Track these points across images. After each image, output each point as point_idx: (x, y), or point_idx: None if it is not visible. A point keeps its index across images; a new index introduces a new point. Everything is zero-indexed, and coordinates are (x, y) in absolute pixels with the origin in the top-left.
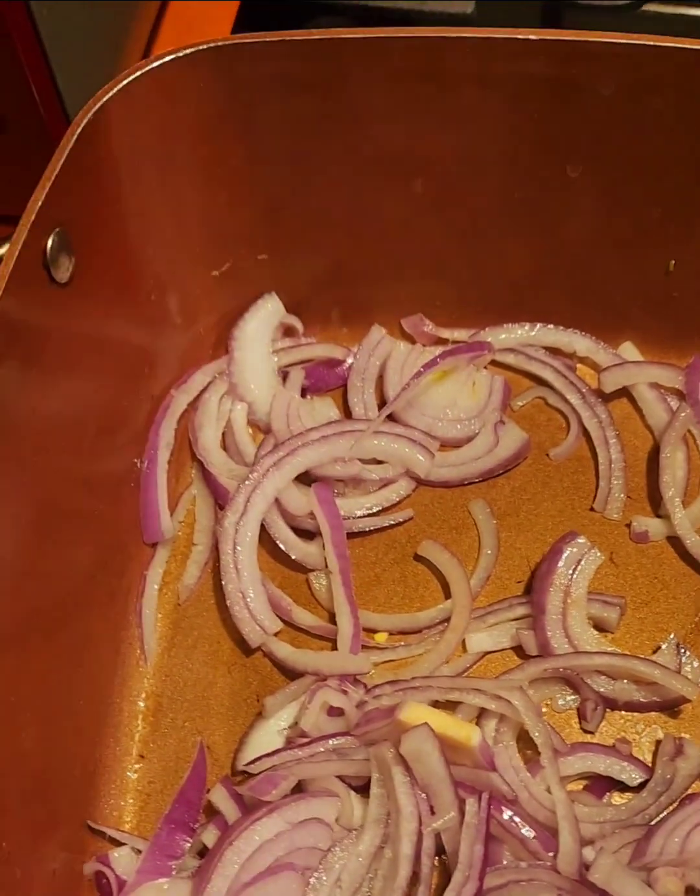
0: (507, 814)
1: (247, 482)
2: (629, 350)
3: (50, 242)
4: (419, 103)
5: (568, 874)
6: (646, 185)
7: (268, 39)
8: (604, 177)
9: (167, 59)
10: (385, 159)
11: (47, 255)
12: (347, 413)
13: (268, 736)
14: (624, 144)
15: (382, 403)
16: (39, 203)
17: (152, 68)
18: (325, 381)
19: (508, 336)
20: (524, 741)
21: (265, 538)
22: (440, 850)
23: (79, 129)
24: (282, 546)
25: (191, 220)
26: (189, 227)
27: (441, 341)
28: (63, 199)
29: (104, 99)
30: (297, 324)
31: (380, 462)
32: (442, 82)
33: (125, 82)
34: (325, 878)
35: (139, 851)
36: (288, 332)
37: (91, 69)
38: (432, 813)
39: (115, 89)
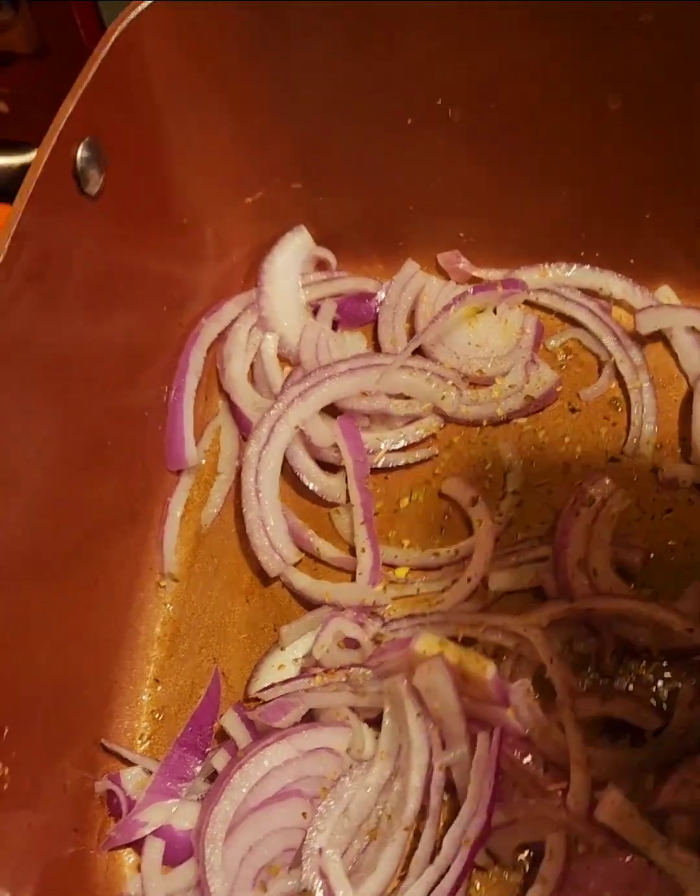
0: (518, 751)
1: (271, 411)
2: (666, 294)
3: (80, 151)
4: (457, 26)
5: (577, 813)
6: (690, 119)
7: None
8: (645, 110)
9: None
10: (421, 85)
11: (77, 165)
12: (378, 348)
13: (282, 665)
14: (667, 76)
15: None
16: (70, 109)
17: None
18: (356, 315)
19: (543, 276)
20: (540, 684)
21: (287, 473)
22: (449, 786)
23: (113, 38)
24: (303, 478)
25: (225, 142)
26: (223, 150)
27: (475, 280)
28: (95, 108)
29: (140, 7)
30: (330, 257)
31: (407, 398)
32: (481, 3)
33: None
34: (333, 806)
35: (150, 772)
36: (320, 265)
37: None
38: (443, 747)
39: None
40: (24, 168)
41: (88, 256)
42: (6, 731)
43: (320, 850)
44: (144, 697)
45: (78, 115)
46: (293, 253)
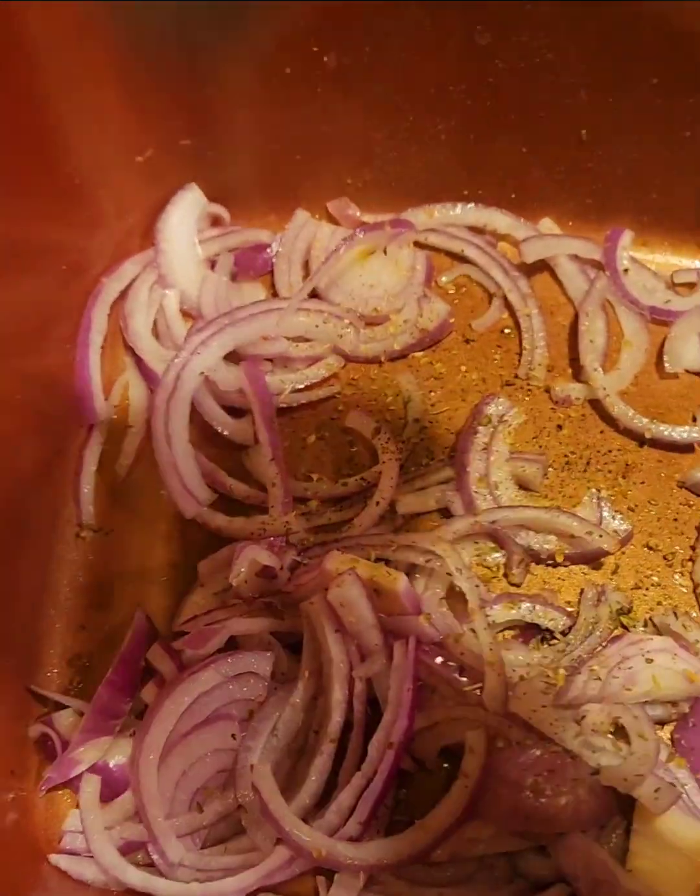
0: (434, 657)
1: (176, 360)
2: (548, 226)
3: None
4: None
5: (494, 711)
6: (558, 49)
7: None
8: (514, 43)
9: None
10: (295, 33)
11: None
12: (276, 297)
13: (204, 600)
14: (533, 6)
15: None
16: None
17: None
18: (252, 266)
19: (430, 217)
20: (452, 597)
21: (196, 420)
22: (372, 700)
23: None
24: (212, 424)
25: (111, 101)
26: (110, 108)
27: (365, 224)
28: None
29: None
30: (224, 213)
31: (307, 340)
32: None
33: None
34: (260, 726)
35: (82, 714)
36: (215, 221)
37: None
38: (362, 660)
39: None
40: None
41: None
42: None
43: (251, 767)
44: (71, 644)
45: None
46: (186, 210)
